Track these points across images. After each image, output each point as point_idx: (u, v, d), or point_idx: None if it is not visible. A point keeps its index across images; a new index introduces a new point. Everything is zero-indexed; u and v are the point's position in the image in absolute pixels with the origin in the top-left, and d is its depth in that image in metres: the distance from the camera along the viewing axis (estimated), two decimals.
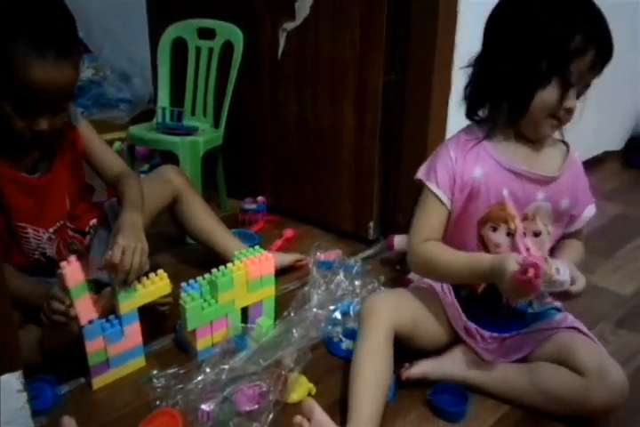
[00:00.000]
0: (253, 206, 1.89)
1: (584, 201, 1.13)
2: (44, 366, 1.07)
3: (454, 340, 1.15)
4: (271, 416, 0.99)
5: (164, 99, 1.99)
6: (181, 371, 1.08)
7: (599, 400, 0.95)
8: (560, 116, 0.99)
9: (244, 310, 1.25)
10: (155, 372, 1.07)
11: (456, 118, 1.66)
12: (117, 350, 1.10)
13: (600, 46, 0.94)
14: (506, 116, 1.04)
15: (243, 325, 1.22)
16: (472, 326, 1.13)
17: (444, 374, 1.10)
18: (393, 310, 1.07)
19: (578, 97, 0.99)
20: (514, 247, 1.07)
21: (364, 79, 1.63)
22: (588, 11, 0.95)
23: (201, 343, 1.16)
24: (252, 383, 1.04)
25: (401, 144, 1.69)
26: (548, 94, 0.96)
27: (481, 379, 1.09)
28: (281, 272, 1.50)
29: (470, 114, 1.09)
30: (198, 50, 1.92)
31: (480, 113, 1.08)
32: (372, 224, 1.75)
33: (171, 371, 1.07)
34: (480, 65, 1.04)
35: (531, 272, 0.89)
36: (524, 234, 1.07)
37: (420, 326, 1.10)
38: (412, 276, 1.50)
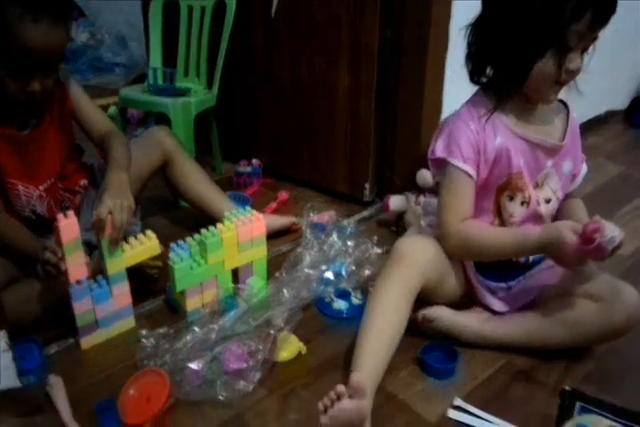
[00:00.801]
0: (248, 169, 1.85)
1: (580, 159, 1.13)
2: (40, 321, 1.07)
3: (464, 296, 1.12)
4: (259, 375, 0.97)
5: (155, 60, 1.91)
6: (170, 331, 1.05)
7: (619, 321, 0.96)
8: (563, 80, 0.95)
9: (235, 271, 1.22)
10: (143, 332, 1.05)
11: (453, 79, 1.60)
12: (106, 311, 1.08)
13: (597, 5, 0.88)
14: (507, 85, 0.99)
15: (233, 285, 1.19)
16: (483, 281, 1.12)
17: (457, 322, 1.07)
18: (428, 261, 1.01)
19: (583, 52, 0.94)
20: (527, 217, 1.06)
21: (360, 36, 1.55)
22: None
23: (190, 304, 1.14)
24: (241, 343, 1.02)
25: (397, 104, 1.63)
26: (546, 65, 0.92)
27: (495, 330, 1.06)
28: (275, 235, 1.47)
29: (473, 78, 1.04)
30: (190, 9, 1.83)
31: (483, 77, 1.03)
32: (367, 186, 1.70)
33: (160, 331, 1.05)
34: (478, 29, 0.98)
35: (598, 238, 0.88)
36: (537, 202, 1.07)
37: (443, 280, 1.06)
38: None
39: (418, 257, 1.00)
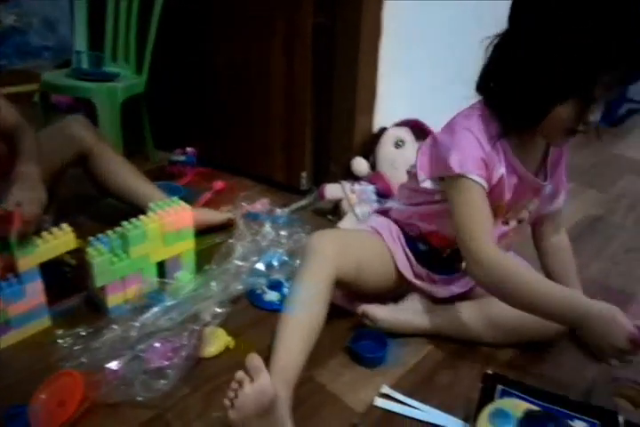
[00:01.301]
0: (182, 158, 1.77)
1: (563, 179, 1.09)
2: None
3: (401, 284, 1.11)
4: (182, 372, 0.93)
5: (81, 43, 1.81)
6: (89, 330, 0.99)
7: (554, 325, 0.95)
8: (578, 129, 0.88)
9: (162, 265, 1.17)
10: (60, 332, 0.98)
11: (387, 65, 1.59)
12: (18, 311, 1.00)
13: (634, 59, 0.80)
14: (518, 121, 0.91)
15: (159, 279, 1.14)
16: (424, 271, 1.11)
17: (398, 321, 1.06)
18: (337, 254, 0.98)
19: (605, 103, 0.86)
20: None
21: (294, 22, 1.50)
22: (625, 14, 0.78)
23: (112, 300, 1.08)
24: (165, 339, 0.97)
25: (332, 92, 1.60)
26: (564, 111, 0.85)
27: (434, 322, 1.06)
28: (210, 230, 1.41)
29: (479, 90, 0.94)
30: None
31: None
32: (304, 174, 1.67)
33: (78, 330, 0.99)
34: (499, 50, 0.89)
35: None
36: (508, 223, 1.05)
37: (366, 272, 1.04)
38: (342, 224, 1.45)
39: (327, 251, 0.98)
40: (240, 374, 0.77)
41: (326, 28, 1.52)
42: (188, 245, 1.19)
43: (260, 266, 1.22)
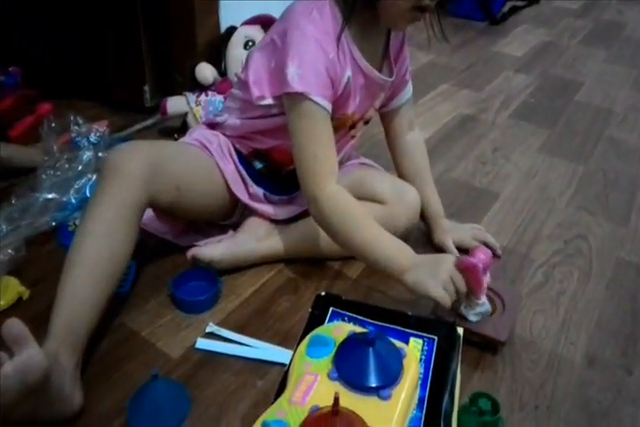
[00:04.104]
0: (1, 78, 1.42)
1: (408, 71, 0.96)
2: None
3: (235, 208, 0.93)
4: None
5: None
6: None
7: (401, 223, 0.90)
8: (423, 3, 0.74)
9: None
10: None
11: None
12: None
13: None
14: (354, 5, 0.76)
15: None
16: (260, 191, 0.93)
17: (237, 255, 0.87)
18: (149, 174, 0.75)
19: None
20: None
21: None
22: None
23: None
24: None
25: None
26: None
27: (277, 247, 0.90)
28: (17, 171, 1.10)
29: None
30: None
31: None
32: (147, 88, 1.38)
33: None
34: None
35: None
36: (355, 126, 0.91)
37: (189, 195, 0.83)
38: None
39: (134, 170, 0.75)
40: None
41: None
42: None
43: (72, 199, 0.98)
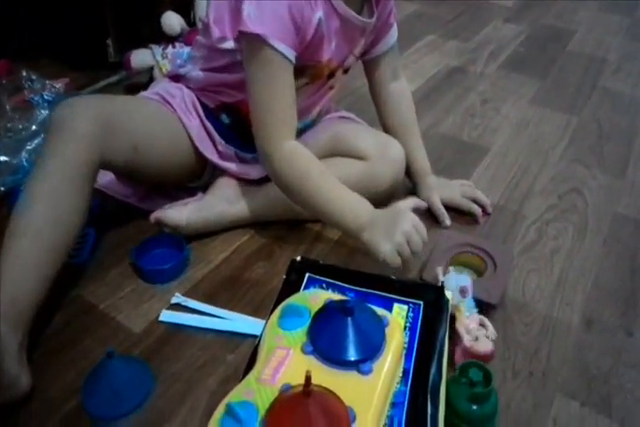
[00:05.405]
0: None
1: (392, 12, 0.83)
2: None
3: (203, 168, 0.84)
4: None
5: None
6: None
7: (384, 180, 0.81)
8: None
9: None
10: None
11: None
12: None
13: None
14: None
15: None
16: (231, 150, 0.83)
17: (207, 219, 0.78)
18: (100, 130, 0.66)
19: None
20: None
21: None
22: None
23: None
24: None
25: None
26: None
27: (254, 207, 0.80)
28: None
29: None
30: None
31: None
32: (110, 42, 1.25)
33: None
34: None
35: None
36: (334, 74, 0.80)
37: (148, 155, 0.73)
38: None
39: (83, 128, 0.65)
40: None
41: None
42: None
43: (26, 161, 0.87)
